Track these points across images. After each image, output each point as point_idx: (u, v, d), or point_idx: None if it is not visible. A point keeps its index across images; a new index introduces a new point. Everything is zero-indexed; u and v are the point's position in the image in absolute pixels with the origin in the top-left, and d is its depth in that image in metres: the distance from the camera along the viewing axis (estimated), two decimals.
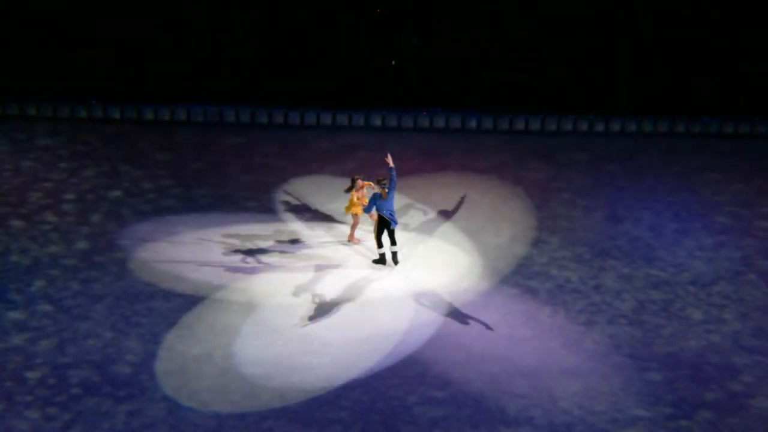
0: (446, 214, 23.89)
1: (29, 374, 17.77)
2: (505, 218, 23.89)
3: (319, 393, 17.51)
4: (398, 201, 23.57)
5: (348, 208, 22.16)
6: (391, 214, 21.09)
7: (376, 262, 21.65)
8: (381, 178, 21.28)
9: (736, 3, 29.43)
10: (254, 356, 18.43)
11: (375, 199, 21.13)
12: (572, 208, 24.46)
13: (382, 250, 21.54)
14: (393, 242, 21.42)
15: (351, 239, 22.46)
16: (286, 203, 24.18)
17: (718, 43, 29.47)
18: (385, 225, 21.22)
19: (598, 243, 22.86)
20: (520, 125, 29.02)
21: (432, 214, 23.90)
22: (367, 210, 21.37)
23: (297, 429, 16.67)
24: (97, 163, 25.99)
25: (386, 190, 21.02)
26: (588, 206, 24.56)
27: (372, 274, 21.28)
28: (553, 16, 29.63)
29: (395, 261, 21.52)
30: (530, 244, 22.75)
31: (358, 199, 21.85)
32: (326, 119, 28.95)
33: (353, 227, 22.44)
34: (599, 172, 26.39)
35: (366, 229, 22.65)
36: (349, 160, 26.33)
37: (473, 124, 29.02)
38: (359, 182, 21.87)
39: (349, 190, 21.98)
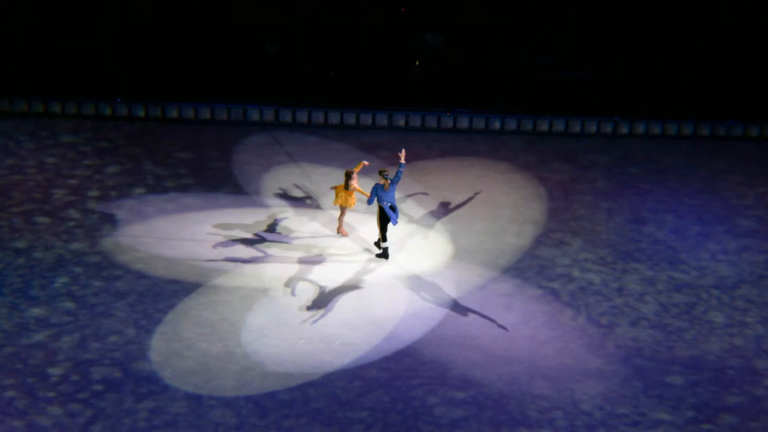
0: (468, 216, 23.84)
1: (51, 370, 17.86)
2: (528, 220, 23.84)
3: (339, 393, 17.53)
4: (422, 203, 23.64)
5: (336, 201, 22.22)
6: (391, 207, 21.08)
7: (379, 256, 21.73)
8: (383, 170, 21.30)
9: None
10: (276, 355, 18.46)
11: (376, 190, 21.19)
12: (595, 210, 24.38)
13: (386, 244, 21.60)
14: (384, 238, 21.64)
15: (339, 231, 22.61)
16: (310, 202, 24.15)
17: (742, 44, 29.34)
18: (386, 218, 21.25)
19: (621, 245, 22.78)
20: (543, 127, 28.94)
21: (454, 215, 23.85)
22: (369, 201, 21.45)
23: (318, 428, 16.69)
24: (120, 160, 26.08)
25: (388, 182, 21.05)
26: (611, 208, 24.47)
27: (389, 274, 21.25)
28: (576, 18, 29.56)
29: (384, 254, 21.69)
30: (553, 246, 22.69)
31: (351, 191, 21.97)
32: (350, 119, 28.94)
33: (341, 218, 22.55)
34: (623, 175, 26.28)
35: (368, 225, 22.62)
36: (369, 159, 26.30)
37: (497, 125, 28.96)
38: (354, 175, 21.93)
39: (347, 185, 22.00)
